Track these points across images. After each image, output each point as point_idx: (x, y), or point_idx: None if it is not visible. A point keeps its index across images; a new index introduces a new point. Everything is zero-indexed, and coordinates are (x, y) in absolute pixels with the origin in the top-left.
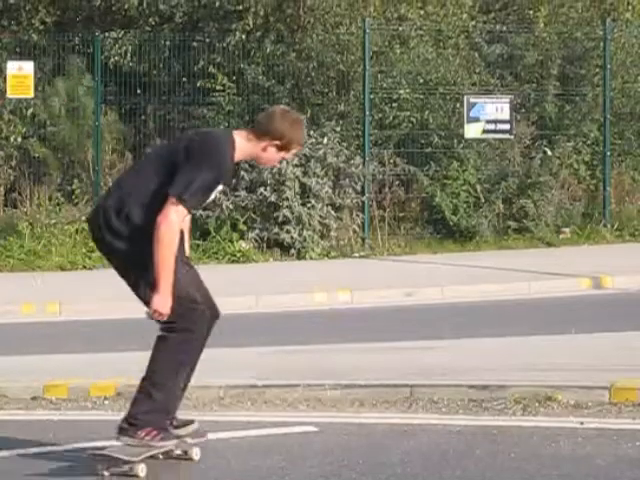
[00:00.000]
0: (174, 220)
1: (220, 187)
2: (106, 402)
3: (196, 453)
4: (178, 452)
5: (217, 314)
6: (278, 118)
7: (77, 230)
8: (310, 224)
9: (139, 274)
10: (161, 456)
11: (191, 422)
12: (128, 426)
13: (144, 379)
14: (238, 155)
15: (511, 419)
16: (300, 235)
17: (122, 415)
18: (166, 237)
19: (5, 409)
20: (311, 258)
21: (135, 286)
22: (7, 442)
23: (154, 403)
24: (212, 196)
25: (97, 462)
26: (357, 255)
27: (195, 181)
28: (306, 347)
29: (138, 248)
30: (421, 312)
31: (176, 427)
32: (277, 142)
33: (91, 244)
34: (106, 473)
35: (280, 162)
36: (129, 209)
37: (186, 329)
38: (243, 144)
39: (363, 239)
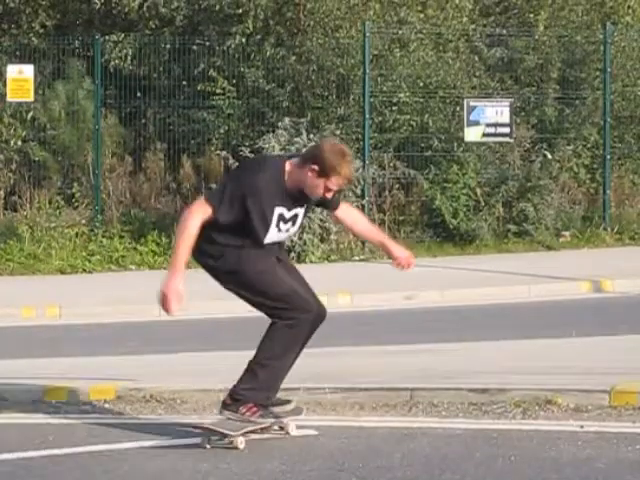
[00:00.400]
0: (194, 210)
1: (279, 209)
2: (106, 405)
3: (292, 429)
4: (275, 428)
5: (323, 315)
6: (320, 145)
7: (77, 233)
8: (310, 227)
9: (229, 281)
10: (260, 431)
11: (288, 402)
12: (231, 401)
13: (253, 358)
14: (289, 181)
15: (511, 422)
16: (300, 239)
17: (121, 419)
18: (182, 221)
19: (5, 412)
20: (311, 261)
21: (233, 292)
22: (7, 445)
23: (258, 382)
24: (273, 217)
25: (199, 435)
26: (357, 258)
27: (222, 189)
28: (306, 350)
29: (222, 263)
30: (421, 315)
31: (273, 405)
32: (315, 166)
33: (91, 247)
34: (208, 445)
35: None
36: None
37: (292, 318)
38: (293, 170)
39: (363, 243)
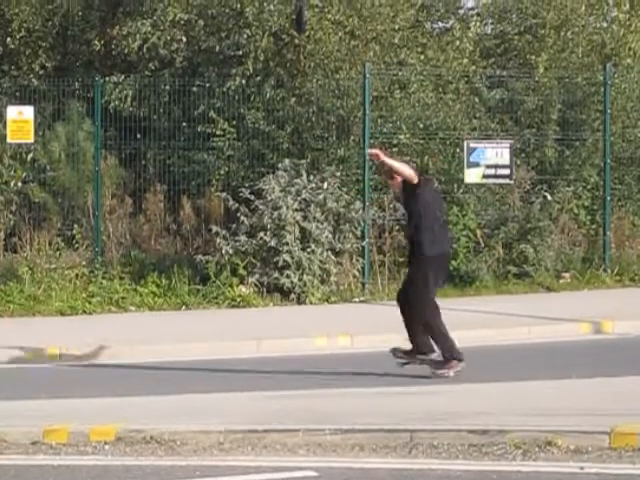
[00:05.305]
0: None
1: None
2: (106, 447)
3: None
4: None
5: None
6: None
7: (77, 275)
8: (310, 269)
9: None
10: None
11: None
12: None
13: None
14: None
15: (511, 464)
16: (300, 280)
17: (121, 460)
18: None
19: (5, 454)
20: (311, 303)
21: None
22: None
23: None
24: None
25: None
26: (357, 300)
27: None
28: (306, 392)
29: None
30: None
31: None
32: None
33: (91, 289)
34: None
35: (280, 207)
36: None
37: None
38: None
39: (363, 284)
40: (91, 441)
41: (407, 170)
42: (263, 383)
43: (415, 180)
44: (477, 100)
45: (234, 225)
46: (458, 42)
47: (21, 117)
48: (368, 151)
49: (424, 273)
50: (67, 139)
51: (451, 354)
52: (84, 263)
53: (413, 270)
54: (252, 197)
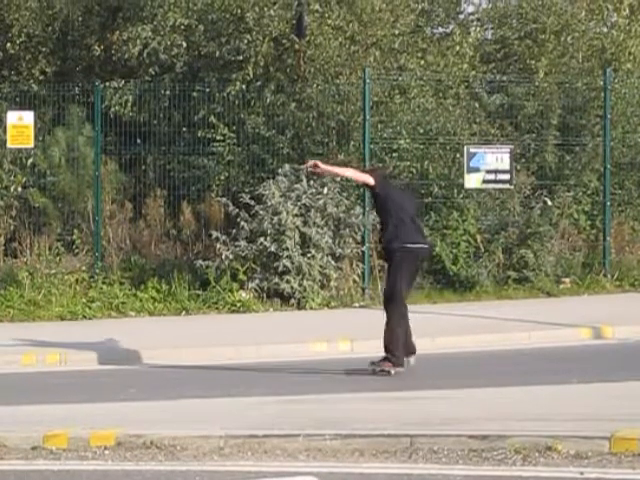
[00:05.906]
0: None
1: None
2: (106, 452)
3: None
4: None
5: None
6: None
7: (77, 280)
8: (310, 274)
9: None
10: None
11: None
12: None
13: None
14: None
15: (511, 469)
16: (300, 285)
17: (121, 465)
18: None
19: (5, 459)
20: (311, 308)
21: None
22: None
23: None
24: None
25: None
26: (357, 305)
27: None
28: (306, 397)
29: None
30: (421, 362)
31: None
32: None
33: (91, 294)
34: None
35: (280, 212)
36: None
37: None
38: None
39: (363, 289)
40: (91, 446)
41: (347, 172)
42: (263, 388)
43: (370, 182)
44: (477, 105)
45: (234, 230)
46: (458, 47)
47: (21, 122)
48: (306, 165)
49: (396, 266)
50: (67, 144)
51: (390, 356)
52: (84, 268)
53: (388, 266)
54: (252, 202)
